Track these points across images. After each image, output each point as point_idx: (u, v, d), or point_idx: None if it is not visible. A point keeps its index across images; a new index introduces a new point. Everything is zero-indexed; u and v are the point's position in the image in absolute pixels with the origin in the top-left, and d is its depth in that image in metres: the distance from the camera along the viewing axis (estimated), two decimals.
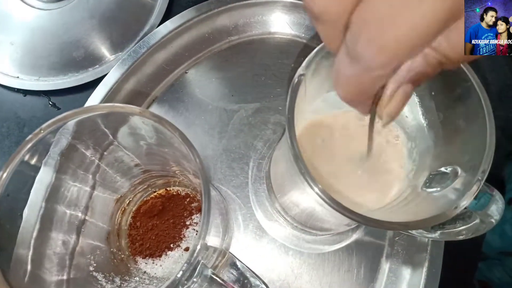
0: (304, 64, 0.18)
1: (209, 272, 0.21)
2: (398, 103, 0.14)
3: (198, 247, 0.19)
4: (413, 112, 0.24)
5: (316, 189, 0.16)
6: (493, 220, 0.17)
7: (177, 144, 0.21)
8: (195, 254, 0.19)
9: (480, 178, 0.15)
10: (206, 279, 0.22)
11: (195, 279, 0.22)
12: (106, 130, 0.23)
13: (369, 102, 0.14)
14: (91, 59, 0.41)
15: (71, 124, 0.22)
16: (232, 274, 0.28)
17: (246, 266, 0.29)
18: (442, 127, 0.20)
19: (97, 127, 0.23)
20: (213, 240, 0.31)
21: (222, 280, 0.23)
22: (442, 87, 0.19)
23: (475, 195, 0.15)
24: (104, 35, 0.42)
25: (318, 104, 0.24)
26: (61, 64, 0.41)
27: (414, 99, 0.22)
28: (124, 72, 0.37)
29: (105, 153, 0.26)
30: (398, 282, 0.33)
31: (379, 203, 0.23)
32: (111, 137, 0.24)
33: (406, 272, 0.33)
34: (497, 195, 0.17)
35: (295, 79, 0.17)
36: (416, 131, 0.24)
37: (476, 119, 0.16)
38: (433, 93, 0.20)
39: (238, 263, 0.28)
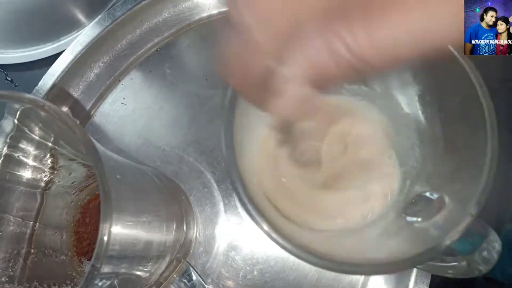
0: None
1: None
2: (286, 103, 0.11)
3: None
4: (411, 106, 0.19)
5: (265, 227, 0.12)
6: (481, 269, 0.13)
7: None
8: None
9: (472, 213, 0.11)
10: None
11: None
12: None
13: (259, 91, 0.11)
14: (54, 32, 0.37)
15: None
16: (184, 284, 0.25)
17: (202, 279, 0.25)
18: (436, 141, 0.15)
19: None
20: (165, 236, 0.27)
21: None
22: (440, 91, 0.15)
23: (462, 234, 0.12)
24: (69, 4, 0.37)
25: None
26: (19, 37, 0.36)
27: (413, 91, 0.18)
28: (83, 48, 0.33)
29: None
30: None
31: (356, 219, 0.19)
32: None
33: None
34: (492, 236, 0.13)
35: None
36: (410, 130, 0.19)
37: (475, 140, 0.12)
38: (427, 98, 0.16)
39: (193, 274, 0.25)
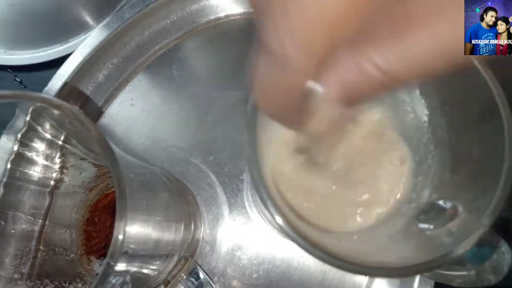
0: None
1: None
2: (320, 122, 0.12)
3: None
4: (425, 114, 0.19)
5: (279, 221, 0.12)
6: (491, 279, 0.13)
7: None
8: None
9: (485, 223, 0.12)
10: None
11: None
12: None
13: (294, 115, 0.12)
14: (63, 33, 0.37)
15: None
16: (191, 282, 0.25)
17: (209, 278, 0.26)
18: (452, 149, 0.16)
19: None
20: (174, 235, 0.28)
21: None
22: (458, 101, 0.15)
23: (475, 243, 0.12)
24: (78, 6, 0.38)
25: None
26: (29, 37, 0.37)
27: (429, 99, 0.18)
28: (92, 50, 0.33)
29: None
30: None
31: (363, 221, 0.20)
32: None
33: None
34: (503, 247, 0.13)
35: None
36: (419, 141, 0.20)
37: (493, 150, 0.13)
38: (447, 108, 0.16)
39: (200, 272, 0.25)
